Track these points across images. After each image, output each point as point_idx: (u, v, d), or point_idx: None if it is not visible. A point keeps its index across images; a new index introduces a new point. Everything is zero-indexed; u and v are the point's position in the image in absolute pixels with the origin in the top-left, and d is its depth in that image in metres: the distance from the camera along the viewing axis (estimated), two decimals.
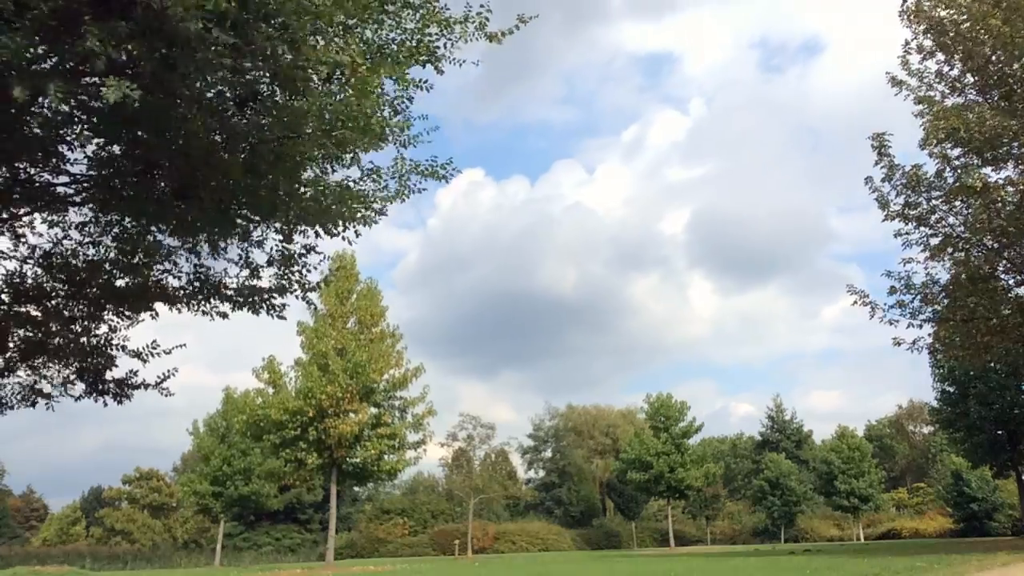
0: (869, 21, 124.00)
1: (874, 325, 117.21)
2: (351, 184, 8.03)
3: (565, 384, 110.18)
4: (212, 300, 8.73)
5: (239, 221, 7.85)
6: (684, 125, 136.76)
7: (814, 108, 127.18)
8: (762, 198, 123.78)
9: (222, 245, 8.36)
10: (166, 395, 9.96)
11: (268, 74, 6.12)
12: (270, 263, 8.66)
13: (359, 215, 8.09)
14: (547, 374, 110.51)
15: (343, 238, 8.25)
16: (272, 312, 8.76)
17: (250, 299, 8.70)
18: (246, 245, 8.47)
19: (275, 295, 8.76)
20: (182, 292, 8.70)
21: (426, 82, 7.87)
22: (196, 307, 8.75)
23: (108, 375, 9.52)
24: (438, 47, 7.57)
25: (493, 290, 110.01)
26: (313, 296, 9.40)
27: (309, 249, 8.65)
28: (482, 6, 7.56)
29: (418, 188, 8.29)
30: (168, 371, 9.93)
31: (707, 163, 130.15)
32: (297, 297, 8.94)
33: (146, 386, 9.77)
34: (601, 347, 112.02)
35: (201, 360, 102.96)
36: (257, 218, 7.87)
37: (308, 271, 8.81)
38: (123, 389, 9.57)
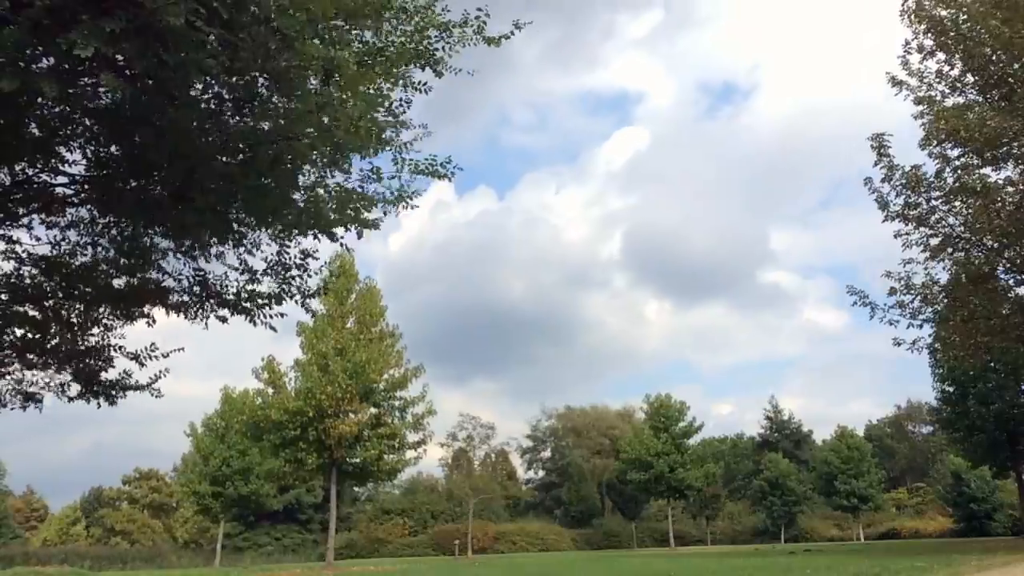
0: (800, 59, 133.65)
1: (835, 336, 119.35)
2: (350, 188, 7.99)
3: (535, 391, 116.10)
4: (210, 304, 8.68)
5: (236, 224, 7.81)
6: (625, 158, 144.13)
7: (749, 142, 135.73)
8: (705, 223, 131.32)
9: (217, 250, 8.32)
10: (157, 396, 9.90)
11: (264, 74, 6.09)
12: (266, 273, 8.61)
13: (359, 219, 8.04)
14: (517, 382, 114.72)
15: (341, 243, 8.22)
16: (266, 322, 8.68)
17: (248, 304, 8.64)
18: (243, 250, 8.42)
19: (274, 301, 8.70)
20: (180, 296, 8.66)
21: (425, 84, 7.83)
22: (194, 312, 8.69)
23: (103, 376, 9.47)
24: (437, 50, 7.55)
25: (460, 302, 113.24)
26: (313, 302, 9.31)
27: (307, 255, 8.59)
28: (479, 9, 7.54)
29: (413, 198, 8.23)
30: (159, 372, 9.87)
31: (649, 191, 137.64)
32: (296, 303, 8.89)
33: (139, 388, 9.72)
34: (565, 357, 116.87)
35: (198, 368, 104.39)
36: (254, 221, 7.83)
37: (308, 276, 8.76)
38: (115, 391, 9.52)
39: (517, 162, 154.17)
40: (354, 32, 6.89)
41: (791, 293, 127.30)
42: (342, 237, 8.13)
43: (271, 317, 8.75)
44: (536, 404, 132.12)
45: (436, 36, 7.40)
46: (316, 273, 8.91)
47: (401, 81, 7.70)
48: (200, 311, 8.73)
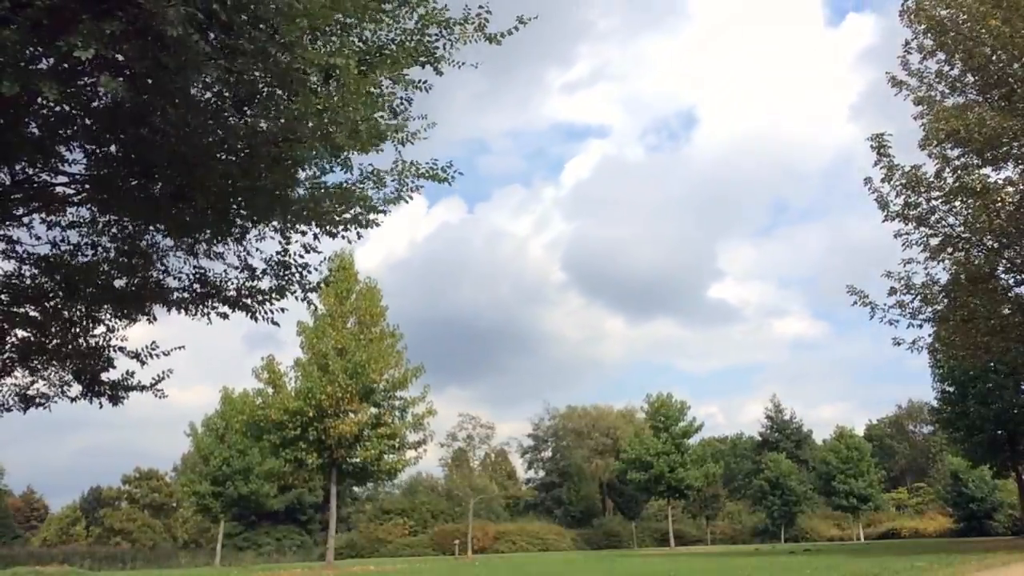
0: (737, 93, 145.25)
1: (798, 344, 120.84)
2: (350, 186, 7.99)
3: (510, 399, 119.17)
4: (211, 301, 8.69)
5: (236, 222, 7.82)
6: (570, 185, 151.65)
7: (693, 172, 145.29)
8: (656, 245, 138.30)
9: (218, 249, 8.33)
10: (160, 396, 9.92)
11: (264, 75, 6.09)
12: (266, 272, 8.63)
13: (358, 217, 8.06)
14: (489, 390, 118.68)
15: (343, 237, 8.23)
16: (267, 317, 8.71)
17: (249, 301, 8.66)
18: (243, 248, 8.43)
19: (275, 296, 8.72)
20: (181, 294, 8.66)
21: (425, 82, 7.84)
22: (195, 310, 8.71)
23: (104, 377, 9.48)
24: (437, 48, 7.55)
25: (429, 314, 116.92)
26: (313, 296, 9.34)
27: (309, 249, 8.62)
28: (481, 7, 7.54)
29: (415, 187, 8.26)
30: (162, 373, 9.89)
31: (602, 216, 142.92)
32: (297, 299, 8.91)
33: (141, 388, 9.73)
34: (535, 367, 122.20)
35: (179, 376, 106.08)
36: (255, 218, 7.84)
37: (308, 272, 8.79)
38: (118, 391, 9.53)
39: (484, 181, 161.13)
40: (354, 31, 6.89)
41: (739, 307, 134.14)
42: (342, 233, 8.17)
43: (272, 312, 8.78)
44: (511, 411, 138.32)
45: (436, 34, 7.40)
46: (316, 269, 8.94)
47: (402, 81, 7.71)
48: (201, 309, 8.75)
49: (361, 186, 8.04)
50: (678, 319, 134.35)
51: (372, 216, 8.17)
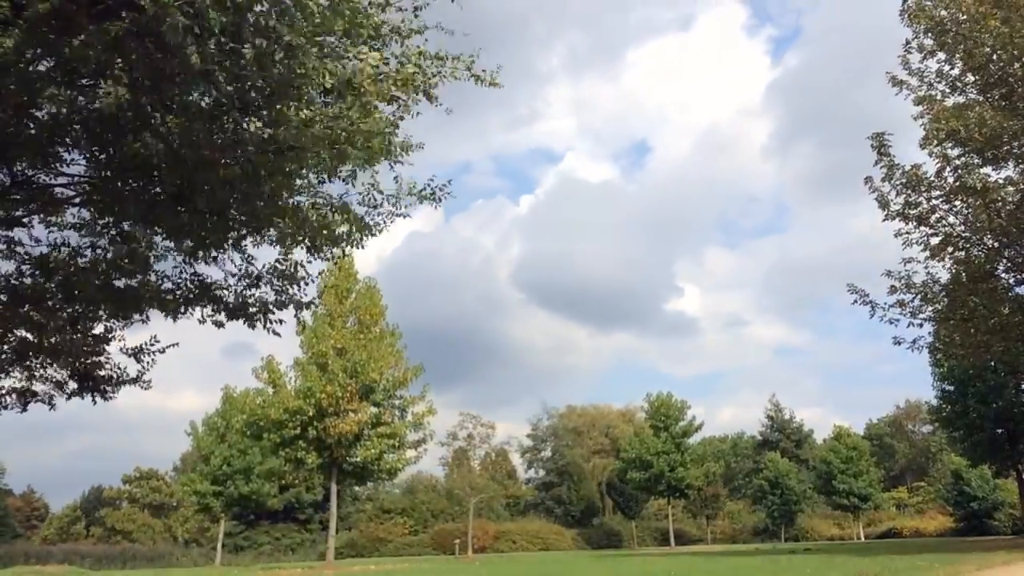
0: (687, 126, 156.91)
1: (775, 351, 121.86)
2: (348, 199, 8.05)
3: (487, 403, 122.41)
4: (208, 307, 8.69)
5: (235, 228, 7.83)
6: (528, 207, 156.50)
7: (648, 197, 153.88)
8: (618, 263, 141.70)
9: (216, 254, 8.34)
10: (146, 388, 10.19)
11: (264, 82, 6.09)
12: (263, 279, 8.65)
13: (355, 230, 8.08)
14: (469, 396, 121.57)
15: (331, 256, 8.33)
16: (268, 326, 8.72)
17: (247, 310, 8.67)
18: (241, 254, 8.45)
19: (274, 308, 8.75)
20: (178, 297, 8.65)
21: (420, 101, 7.84)
22: (193, 314, 8.70)
23: (98, 373, 9.59)
24: (432, 76, 7.57)
25: (406, 322, 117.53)
26: (305, 313, 9.42)
27: (298, 266, 8.64)
28: (474, 49, 7.56)
29: (408, 205, 8.28)
30: (147, 363, 10.08)
31: (573, 235, 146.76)
32: (295, 316, 8.96)
33: (129, 381, 9.94)
34: (511, 374, 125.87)
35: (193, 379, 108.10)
36: (253, 225, 7.84)
37: (305, 284, 8.83)
38: (109, 386, 9.63)
39: (461, 194, 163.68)
40: (360, 52, 6.89)
41: (700, 317, 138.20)
42: (343, 244, 8.19)
43: (271, 322, 8.79)
44: (490, 415, 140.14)
45: (430, 66, 7.42)
46: (312, 281, 8.97)
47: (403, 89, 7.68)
48: (198, 313, 8.74)
49: (359, 200, 8.09)
50: (640, 330, 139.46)
51: (363, 235, 8.20)
